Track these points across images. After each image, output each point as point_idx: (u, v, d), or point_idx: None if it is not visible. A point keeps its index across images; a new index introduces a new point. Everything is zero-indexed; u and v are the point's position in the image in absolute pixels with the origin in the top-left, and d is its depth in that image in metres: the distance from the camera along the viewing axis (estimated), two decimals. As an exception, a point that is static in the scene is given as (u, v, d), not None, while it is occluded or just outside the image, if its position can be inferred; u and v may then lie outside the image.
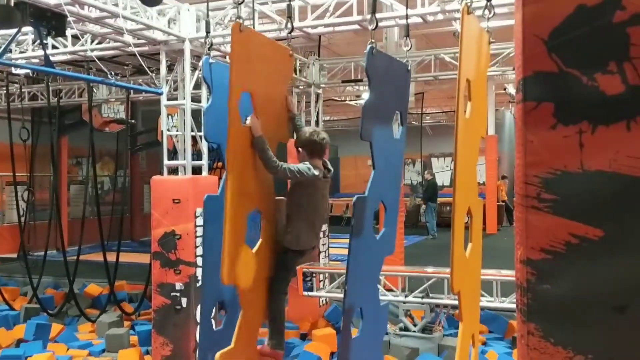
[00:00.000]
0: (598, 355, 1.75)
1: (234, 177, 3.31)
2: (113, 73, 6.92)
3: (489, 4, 3.48)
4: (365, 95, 14.74)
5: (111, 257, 8.79)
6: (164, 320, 6.07)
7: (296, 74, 8.50)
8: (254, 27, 5.86)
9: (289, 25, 4.04)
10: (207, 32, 4.65)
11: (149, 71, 6.48)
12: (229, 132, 3.32)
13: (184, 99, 6.18)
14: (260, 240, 3.62)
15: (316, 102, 8.73)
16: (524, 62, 1.88)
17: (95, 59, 6.13)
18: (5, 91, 9.17)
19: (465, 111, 3.38)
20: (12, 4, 4.90)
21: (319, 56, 9.25)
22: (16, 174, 9.63)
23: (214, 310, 3.66)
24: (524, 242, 1.87)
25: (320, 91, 8.91)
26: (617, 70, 1.76)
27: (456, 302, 6.93)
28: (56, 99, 9.79)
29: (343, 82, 9.22)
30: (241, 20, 3.31)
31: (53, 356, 6.40)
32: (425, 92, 13.85)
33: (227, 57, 6.26)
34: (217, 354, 3.32)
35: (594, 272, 1.76)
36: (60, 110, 14.54)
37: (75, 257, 8.52)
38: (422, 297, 6.83)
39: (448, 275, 6.78)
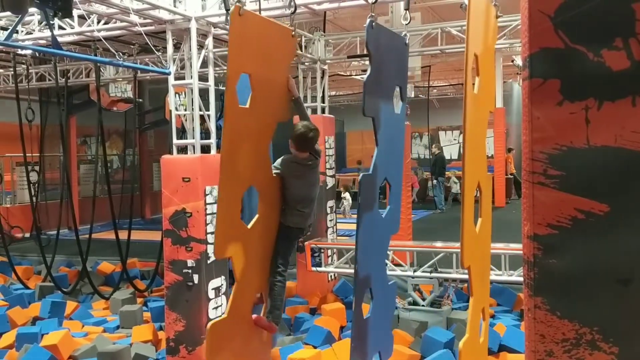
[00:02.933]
0: (603, 328, 1.79)
1: (227, 157, 3.39)
2: (121, 53, 6.91)
3: (495, -23, 3.46)
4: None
5: (122, 235, 8.88)
6: (176, 296, 6.17)
7: (301, 51, 8.47)
8: (259, 6, 5.84)
9: (292, 3, 4.07)
10: (227, 9, 4.62)
11: (155, 50, 6.47)
12: (225, 113, 3.38)
13: (191, 78, 6.18)
14: (257, 216, 3.72)
15: (322, 78, 8.70)
16: (530, 38, 1.89)
17: (102, 39, 6.13)
18: (12, 72, 9.18)
19: (473, 86, 3.39)
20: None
21: (324, 32, 9.19)
22: (26, 155, 9.68)
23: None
24: (530, 217, 1.90)
25: (325, 67, 8.87)
26: (622, 46, 1.77)
27: (464, 276, 7.03)
28: (64, 79, 9.80)
29: (349, 57, 9.16)
30: (240, 4, 3.33)
31: (69, 333, 6.53)
32: (432, 65, 13.75)
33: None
34: (209, 323, 3.51)
35: (600, 247, 1.78)
36: (67, 91, 14.65)
37: (86, 236, 8.63)
38: (431, 272, 6.89)
39: (456, 249, 6.88)
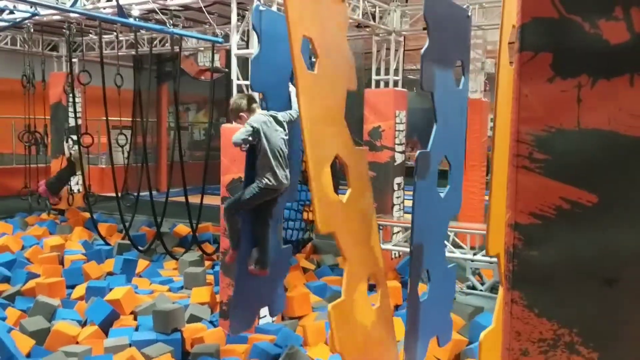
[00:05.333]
0: (583, 330, 1.65)
1: (310, 126, 3.18)
2: (170, 21, 6.99)
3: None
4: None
5: (208, 199, 9.23)
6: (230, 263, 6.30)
7: (374, 21, 8.26)
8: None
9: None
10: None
11: (211, 21, 6.55)
12: (296, 81, 3.23)
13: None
14: (349, 190, 3.59)
15: (396, 50, 8.46)
16: (523, 7, 1.73)
17: (156, 8, 6.25)
18: (101, 39, 9.61)
19: (511, 61, 3.17)
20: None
21: (406, 1, 8.91)
22: (119, 119, 10.23)
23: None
24: (513, 204, 1.76)
25: (401, 39, 8.60)
26: (622, 16, 1.58)
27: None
28: (149, 47, 10.18)
29: (424, 28, 8.81)
30: None
31: (132, 289, 6.87)
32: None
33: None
34: (330, 306, 3.35)
35: (585, 241, 1.63)
36: (159, 59, 15.18)
37: (177, 198, 9.05)
38: (491, 256, 6.58)
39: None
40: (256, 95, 6.03)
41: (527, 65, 1.70)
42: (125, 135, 10.59)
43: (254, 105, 4.59)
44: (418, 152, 3.40)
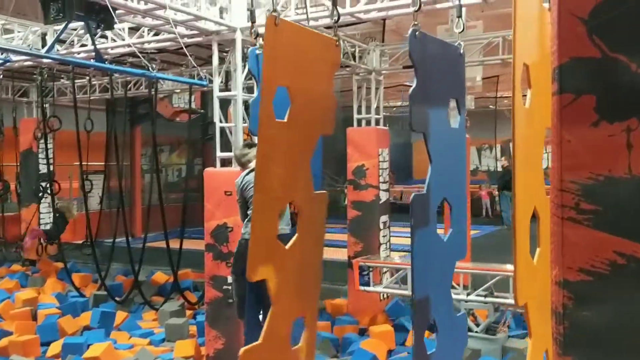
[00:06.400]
0: None
1: (262, 174, 3.15)
2: (153, 65, 6.87)
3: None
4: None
5: (187, 244, 8.91)
6: (216, 313, 6.04)
7: (355, 61, 8.23)
8: (307, 14, 5.67)
9: (336, 12, 3.87)
10: (252, 21, 4.51)
11: (194, 64, 6.42)
12: (260, 127, 3.16)
13: (236, 89, 6.07)
14: (296, 235, 3.48)
15: (377, 89, 8.41)
16: (560, 46, 1.60)
17: (136, 52, 6.09)
18: (74, 84, 9.41)
19: (525, 100, 3.11)
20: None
21: (382, 41, 8.91)
22: (93, 164, 9.92)
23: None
24: (559, 260, 1.60)
25: (381, 78, 8.58)
26: (674, 54, 1.46)
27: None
28: (124, 90, 9.98)
29: (404, 67, 8.81)
30: (277, 14, 3.13)
31: (111, 345, 6.50)
32: (501, 74, 13.18)
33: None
34: (241, 350, 3.20)
35: None
36: (132, 101, 14.99)
37: (153, 244, 8.68)
38: (485, 296, 6.43)
39: (512, 273, 6.40)
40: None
41: (567, 108, 1.58)
42: (90, 181, 10.24)
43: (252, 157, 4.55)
44: (413, 194, 3.23)
